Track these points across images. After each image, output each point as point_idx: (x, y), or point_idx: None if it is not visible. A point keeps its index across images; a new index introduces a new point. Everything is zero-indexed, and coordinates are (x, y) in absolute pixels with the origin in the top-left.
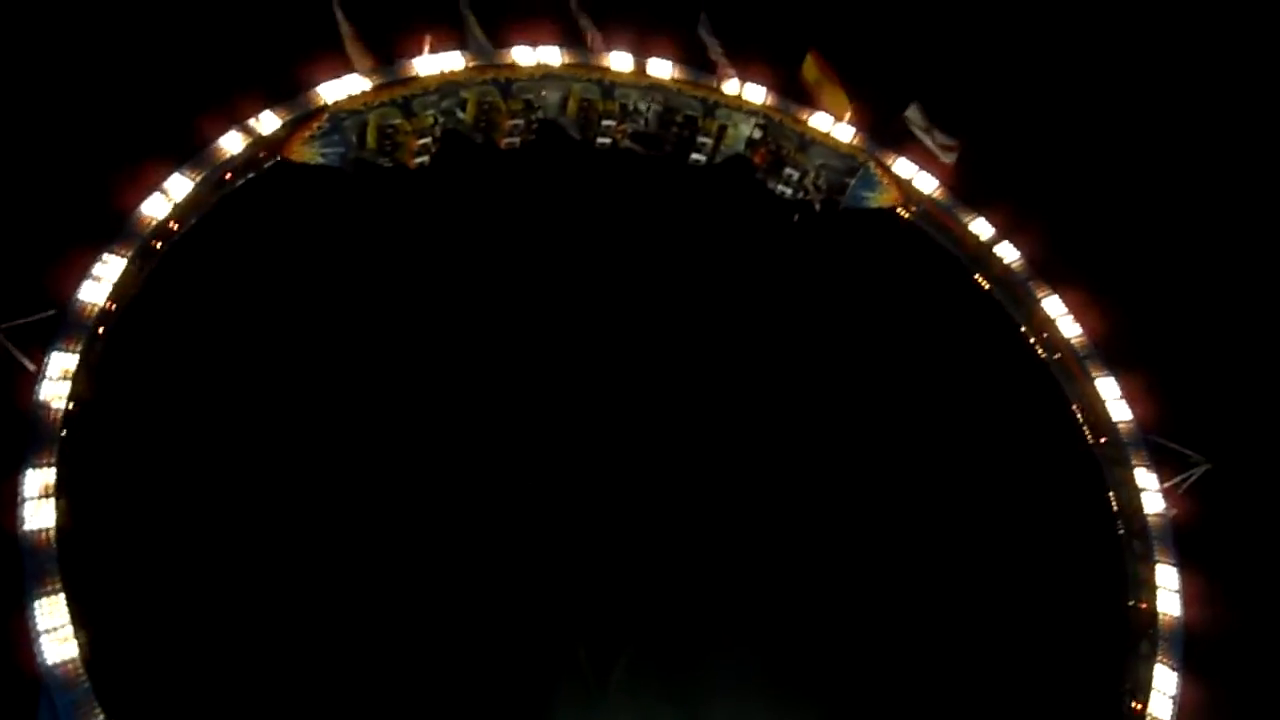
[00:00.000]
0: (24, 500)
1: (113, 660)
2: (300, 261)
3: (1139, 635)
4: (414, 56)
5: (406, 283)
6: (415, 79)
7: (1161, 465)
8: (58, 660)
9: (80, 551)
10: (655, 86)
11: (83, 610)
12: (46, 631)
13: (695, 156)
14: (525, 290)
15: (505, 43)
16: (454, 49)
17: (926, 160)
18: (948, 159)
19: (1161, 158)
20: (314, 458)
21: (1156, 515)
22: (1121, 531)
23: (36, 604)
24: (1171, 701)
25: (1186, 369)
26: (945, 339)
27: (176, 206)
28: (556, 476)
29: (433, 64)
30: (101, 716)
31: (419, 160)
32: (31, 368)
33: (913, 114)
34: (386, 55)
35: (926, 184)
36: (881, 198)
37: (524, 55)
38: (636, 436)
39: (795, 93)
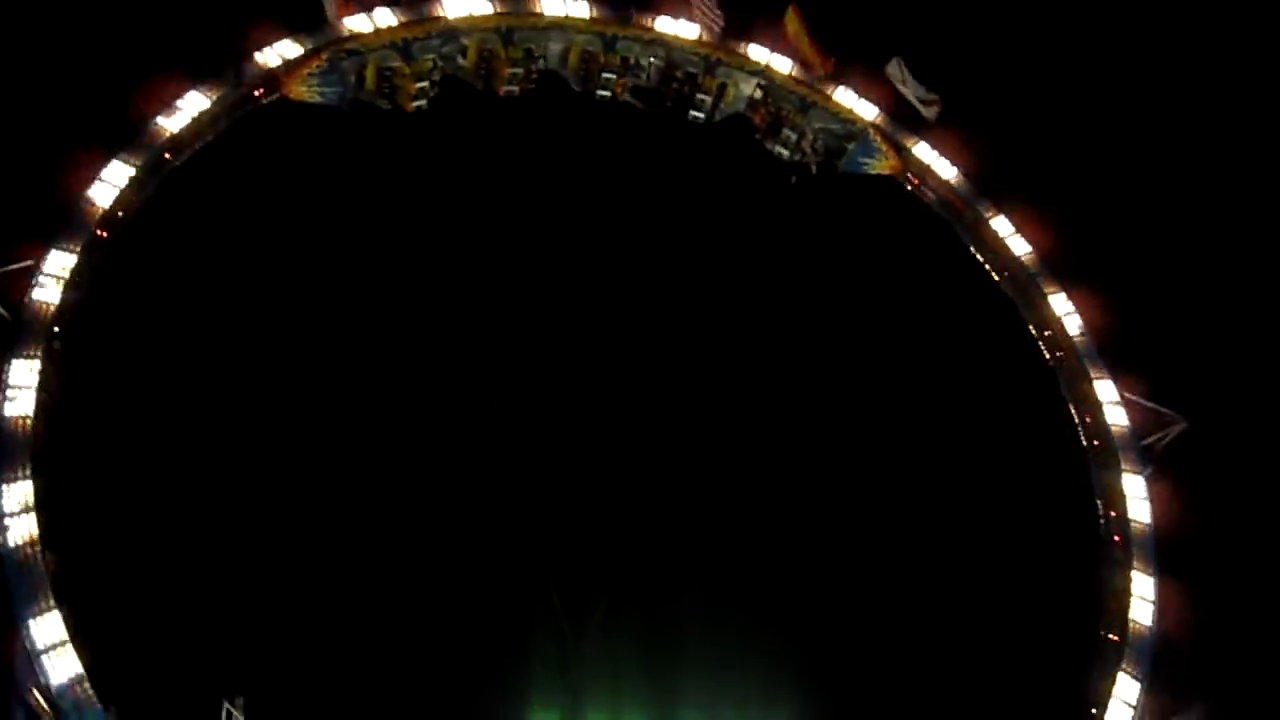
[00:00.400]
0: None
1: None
2: (290, 204)
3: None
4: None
5: (398, 228)
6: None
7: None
8: (64, 679)
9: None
10: (657, 41)
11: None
12: (45, 650)
13: (694, 114)
14: (516, 241)
15: None
16: None
17: (945, 148)
18: (929, 114)
19: (1167, 154)
20: (299, 425)
21: (1140, 523)
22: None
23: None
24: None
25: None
26: (940, 320)
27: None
28: (539, 432)
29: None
30: None
31: (416, 104)
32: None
33: (893, 69)
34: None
35: (945, 170)
36: (880, 164)
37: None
38: (623, 394)
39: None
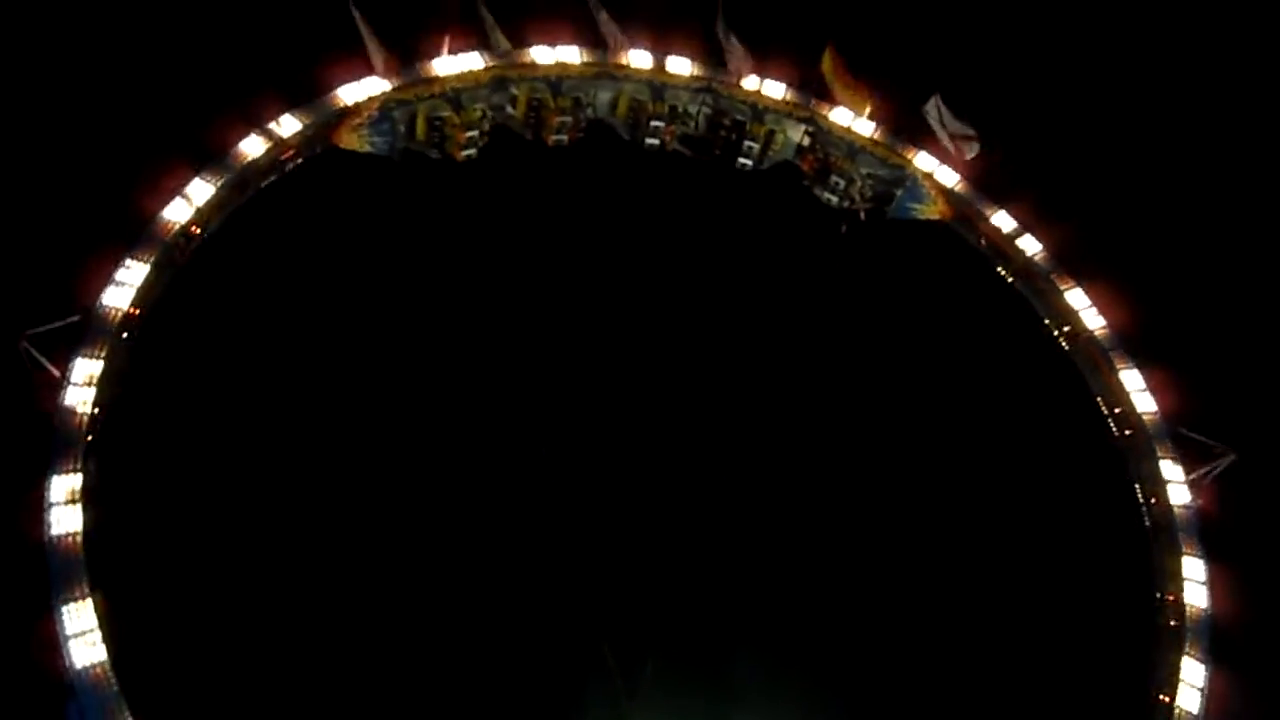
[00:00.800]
0: (50, 506)
1: (140, 663)
2: (340, 251)
3: (1166, 627)
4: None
5: (447, 274)
6: (437, 79)
7: (1188, 459)
8: (86, 664)
9: (106, 556)
10: (706, 89)
11: (110, 614)
12: (74, 636)
13: (742, 161)
14: (564, 289)
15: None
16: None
17: (945, 154)
18: (969, 154)
19: (1181, 149)
20: (343, 457)
21: (1182, 507)
22: (1148, 524)
23: (64, 609)
24: (1200, 694)
25: (1212, 363)
26: (968, 332)
27: (198, 211)
28: (587, 477)
29: (457, 64)
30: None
31: (466, 153)
32: (56, 374)
33: (931, 108)
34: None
35: (947, 178)
36: (929, 209)
37: (544, 55)
38: (669, 437)
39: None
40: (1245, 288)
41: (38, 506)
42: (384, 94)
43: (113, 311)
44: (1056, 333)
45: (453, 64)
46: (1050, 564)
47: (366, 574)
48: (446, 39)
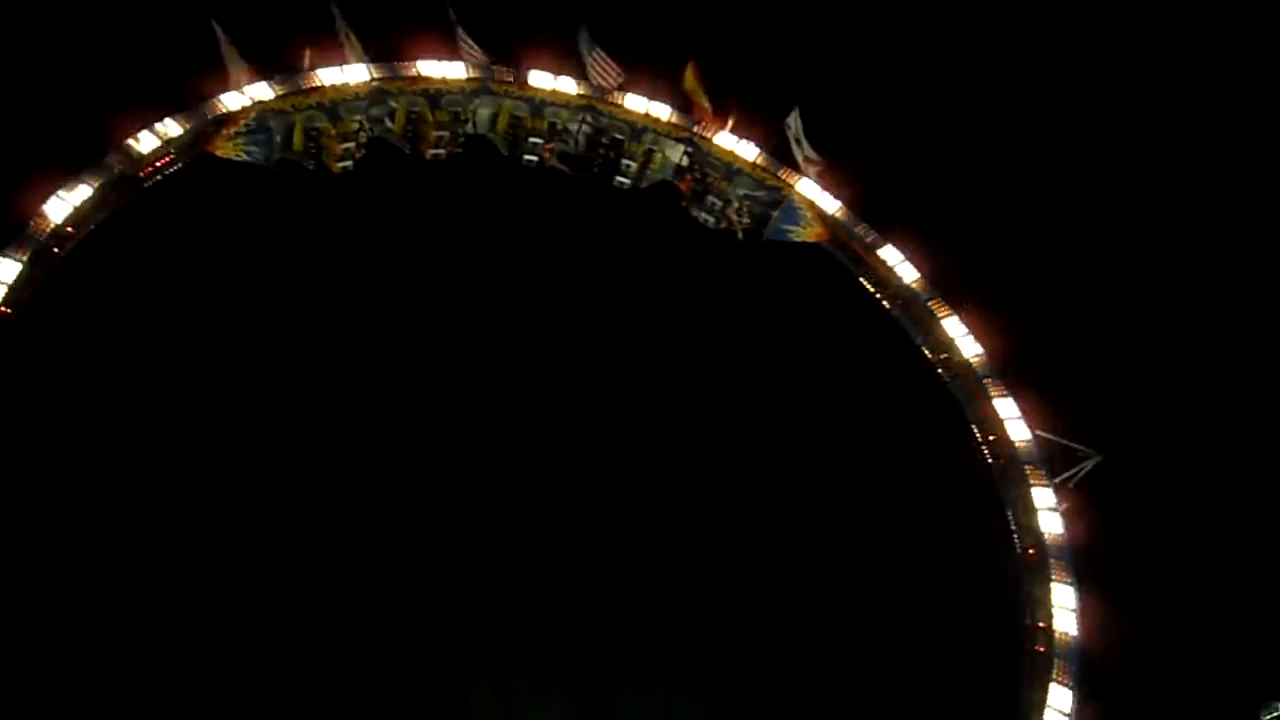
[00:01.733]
0: None
1: None
2: (213, 259)
3: (1035, 652)
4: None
5: (318, 284)
6: (316, 89)
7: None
8: None
9: None
10: (586, 107)
11: None
12: None
13: (620, 180)
14: (439, 302)
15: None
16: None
17: (827, 181)
18: (810, 173)
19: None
20: (197, 465)
21: (1055, 534)
22: (1019, 550)
23: None
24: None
25: (1083, 382)
26: (844, 357)
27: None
28: (457, 486)
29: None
30: None
31: (342, 165)
32: None
33: (793, 120)
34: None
35: (829, 205)
36: (806, 232)
37: (430, 69)
38: (538, 447)
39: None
40: (1116, 306)
41: None
42: (260, 103)
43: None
44: (933, 359)
45: (334, 74)
46: (923, 590)
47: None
48: (307, 52)
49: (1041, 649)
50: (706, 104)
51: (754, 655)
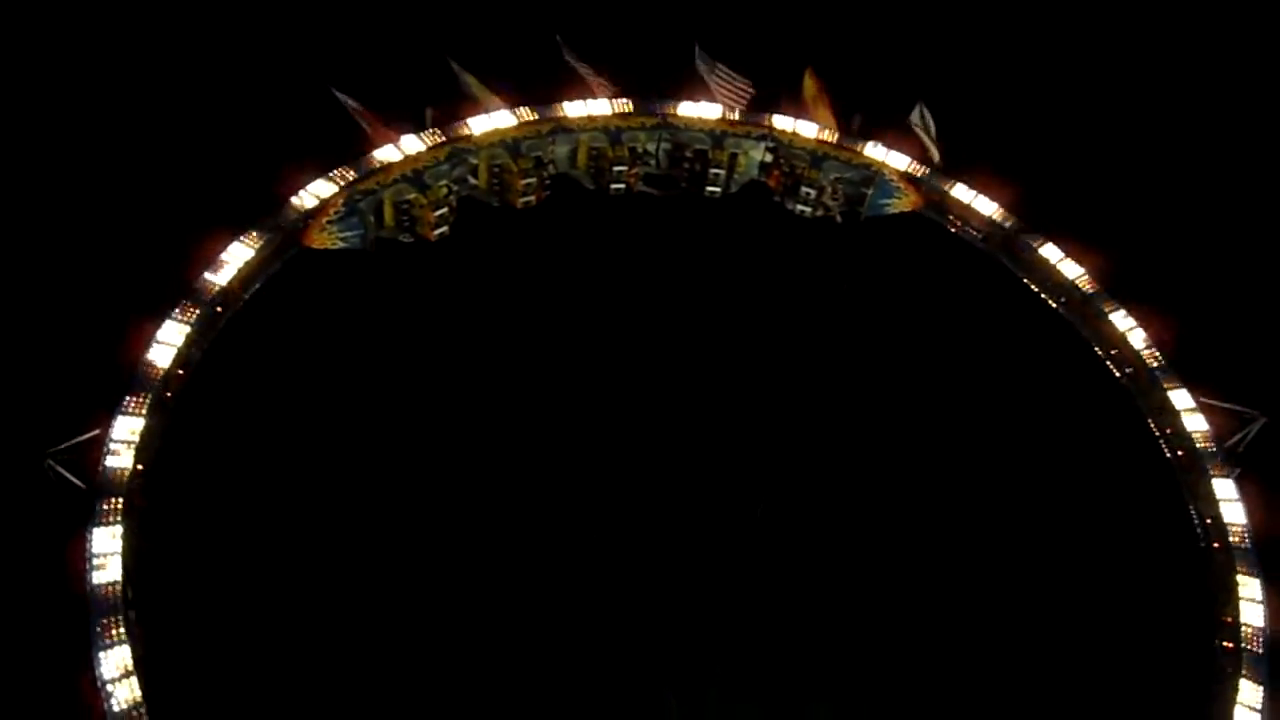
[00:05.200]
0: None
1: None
2: (332, 345)
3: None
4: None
5: (437, 355)
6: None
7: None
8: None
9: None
10: (661, 125)
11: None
12: (112, 680)
13: (711, 189)
14: (559, 348)
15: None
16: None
17: (983, 185)
18: (934, 159)
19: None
20: (379, 568)
21: (1238, 525)
22: (1203, 544)
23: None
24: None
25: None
26: (1010, 358)
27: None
28: (615, 526)
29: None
30: None
31: (439, 231)
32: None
33: (916, 116)
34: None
35: (986, 207)
36: (901, 203)
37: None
38: (689, 477)
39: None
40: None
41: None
42: (345, 189)
43: (118, 474)
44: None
45: (395, 149)
46: (1106, 588)
47: (412, 624)
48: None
49: (1229, 645)
50: (828, 112)
51: (941, 667)
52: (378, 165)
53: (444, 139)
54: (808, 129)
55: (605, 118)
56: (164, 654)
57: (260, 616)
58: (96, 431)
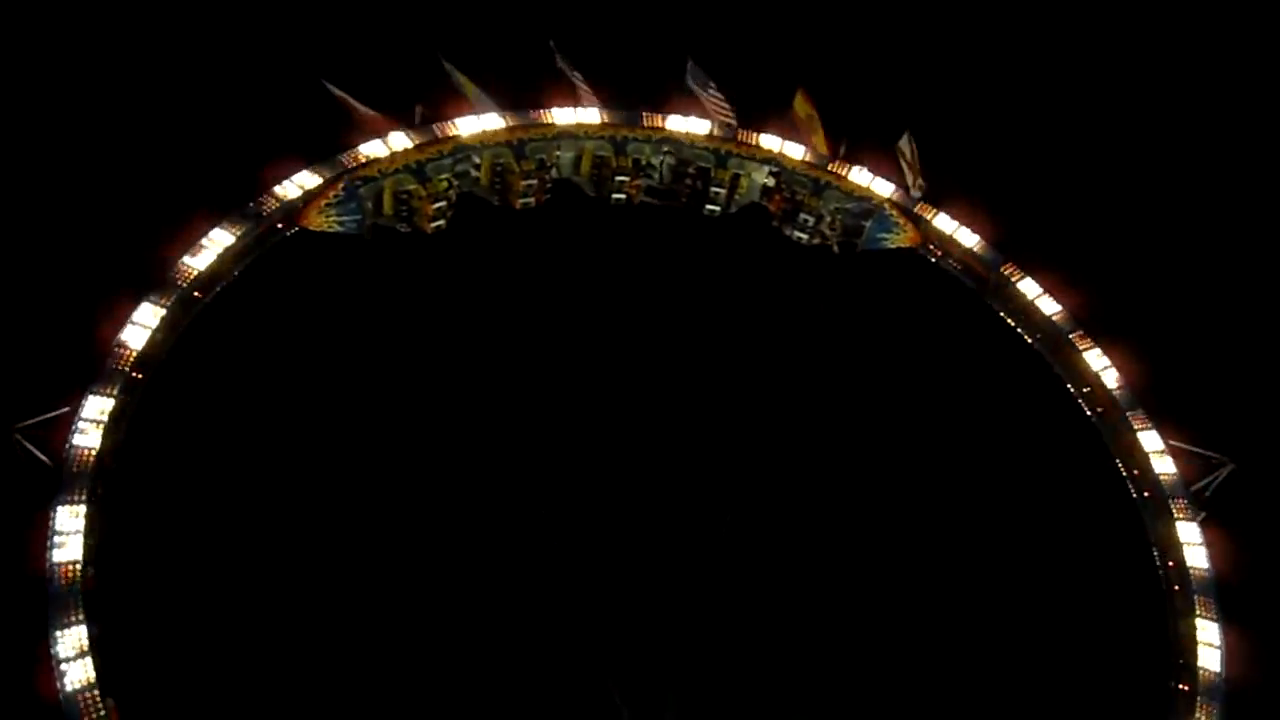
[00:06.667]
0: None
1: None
2: (319, 328)
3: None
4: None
5: (425, 346)
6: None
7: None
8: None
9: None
10: (667, 139)
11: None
12: (67, 660)
13: (710, 207)
14: (540, 350)
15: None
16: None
17: (965, 216)
18: (915, 193)
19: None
20: (344, 553)
21: (1199, 570)
22: (1164, 587)
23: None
24: None
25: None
26: (981, 390)
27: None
28: (588, 534)
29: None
30: None
31: (435, 224)
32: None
33: (904, 144)
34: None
35: (967, 239)
36: (899, 238)
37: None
38: (666, 488)
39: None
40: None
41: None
42: (347, 172)
43: (84, 453)
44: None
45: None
46: (1066, 627)
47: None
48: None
49: (1185, 687)
50: (821, 133)
51: (901, 699)
52: (363, 159)
53: (431, 138)
54: (795, 150)
55: (597, 126)
56: (123, 635)
57: (224, 602)
58: (66, 409)
